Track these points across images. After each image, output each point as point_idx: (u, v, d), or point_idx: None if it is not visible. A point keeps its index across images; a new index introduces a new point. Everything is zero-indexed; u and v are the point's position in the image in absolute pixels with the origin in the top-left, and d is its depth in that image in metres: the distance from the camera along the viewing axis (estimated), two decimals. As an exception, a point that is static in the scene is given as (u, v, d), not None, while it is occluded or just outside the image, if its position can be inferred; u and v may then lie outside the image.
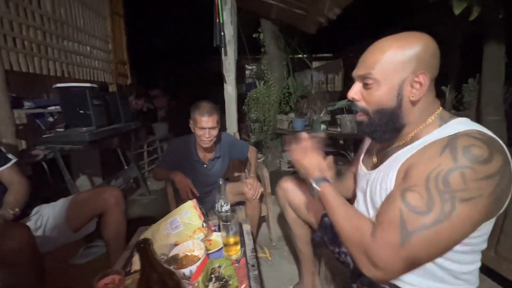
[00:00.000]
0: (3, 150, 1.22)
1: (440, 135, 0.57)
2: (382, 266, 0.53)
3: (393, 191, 0.59)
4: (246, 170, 2.04)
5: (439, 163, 0.51)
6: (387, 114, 0.63)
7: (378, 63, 0.61)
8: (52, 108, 1.97)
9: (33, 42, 1.70)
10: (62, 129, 1.81)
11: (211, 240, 1.05)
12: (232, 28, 2.58)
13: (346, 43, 5.67)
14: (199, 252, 0.93)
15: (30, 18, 1.68)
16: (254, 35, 3.35)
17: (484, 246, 0.60)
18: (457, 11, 1.56)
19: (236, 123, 2.73)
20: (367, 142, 0.87)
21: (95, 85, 1.88)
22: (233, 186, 1.61)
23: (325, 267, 1.31)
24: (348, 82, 6.64)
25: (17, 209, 1.08)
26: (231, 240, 0.93)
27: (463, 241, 0.54)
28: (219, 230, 1.11)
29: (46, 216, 1.25)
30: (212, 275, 0.83)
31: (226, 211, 1.09)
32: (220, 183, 1.11)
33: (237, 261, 0.92)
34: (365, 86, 0.64)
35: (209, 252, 0.97)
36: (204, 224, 1.03)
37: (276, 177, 1.98)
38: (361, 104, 0.67)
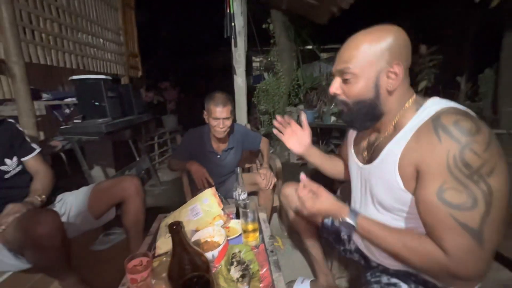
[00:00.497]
0: (28, 140, 1.26)
1: (422, 119, 0.59)
2: (473, 274, 0.53)
3: (421, 196, 0.57)
4: (257, 161, 2.07)
5: (447, 149, 0.52)
6: (366, 105, 0.66)
7: (354, 57, 0.63)
8: (69, 100, 2.02)
9: (50, 34, 1.73)
10: (80, 121, 1.86)
11: (229, 227, 1.08)
12: (242, 19, 2.56)
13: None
14: (219, 238, 0.96)
15: (46, 10, 1.70)
16: (264, 26, 3.31)
17: None
18: (478, -2, 1.52)
19: (246, 115, 2.74)
20: (353, 132, 0.88)
21: (109, 77, 1.91)
22: (246, 177, 1.63)
23: (338, 259, 1.34)
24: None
25: (43, 196, 1.13)
26: (250, 226, 0.96)
27: None
28: (237, 218, 1.15)
29: (69, 204, 1.30)
30: (233, 260, 0.86)
31: (244, 199, 1.11)
32: (238, 171, 1.13)
33: (256, 247, 0.95)
34: (344, 81, 0.67)
35: (228, 238, 1.00)
36: (223, 212, 1.06)
37: (285, 168, 2.00)
38: (342, 97, 0.70)
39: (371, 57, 0.62)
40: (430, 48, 2.45)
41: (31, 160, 1.22)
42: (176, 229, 0.58)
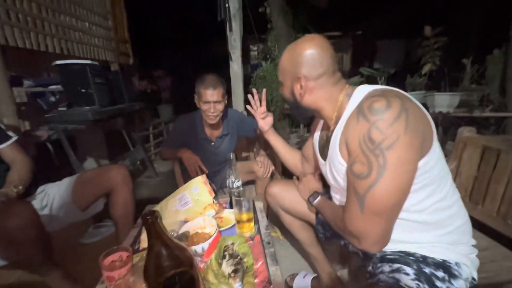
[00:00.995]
0: (3, 127, 1.17)
1: (351, 108, 0.66)
2: (363, 236, 0.62)
3: (346, 170, 0.66)
4: (255, 149, 1.98)
5: (360, 129, 0.59)
6: (294, 105, 0.80)
7: (279, 69, 0.80)
8: (54, 87, 1.91)
9: (28, 16, 1.60)
10: (65, 109, 1.75)
11: (222, 217, 1.00)
12: (237, 1, 2.42)
13: (355, 20, 5.37)
14: (210, 229, 0.88)
15: (23, -11, 1.57)
16: (260, 9, 3.15)
17: (442, 193, 0.65)
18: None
19: (242, 103, 2.63)
20: (314, 133, 0.93)
21: (96, 63, 1.80)
22: (242, 165, 1.54)
23: (339, 251, 1.26)
24: (357, 60, 6.39)
25: (20, 187, 1.04)
26: (244, 216, 0.87)
27: (415, 181, 0.60)
28: (230, 207, 1.07)
29: (52, 195, 1.22)
30: (226, 253, 0.78)
31: (238, 187, 1.03)
32: (231, 157, 1.04)
33: (251, 238, 0.87)
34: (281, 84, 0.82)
35: (221, 229, 0.92)
36: (215, 201, 0.98)
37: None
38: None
39: (285, 70, 0.77)
40: (434, 30, 2.32)
41: (7, 148, 1.13)
42: (151, 220, 0.49)
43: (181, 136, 1.49)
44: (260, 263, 0.74)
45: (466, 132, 1.17)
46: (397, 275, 0.63)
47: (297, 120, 0.82)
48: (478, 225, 1.10)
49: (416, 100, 0.62)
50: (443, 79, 2.33)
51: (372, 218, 0.59)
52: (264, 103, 1.13)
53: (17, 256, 0.86)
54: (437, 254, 0.66)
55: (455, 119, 2.31)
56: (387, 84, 2.48)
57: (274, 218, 1.76)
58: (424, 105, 2.06)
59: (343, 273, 1.24)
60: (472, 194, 1.12)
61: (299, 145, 2.77)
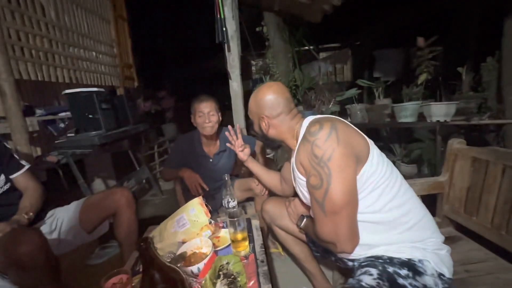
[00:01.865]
0: (16, 157, 1.25)
1: (301, 134, 0.82)
2: (335, 238, 0.72)
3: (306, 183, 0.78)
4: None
5: (306, 149, 0.74)
6: (264, 137, 0.96)
7: (249, 111, 0.98)
8: (63, 114, 2.02)
9: (40, 50, 1.74)
10: (73, 134, 1.85)
11: (219, 237, 1.04)
12: (234, 23, 2.53)
13: (353, 31, 5.48)
14: (207, 249, 0.92)
15: (35, 27, 1.71)
16: (257, 29, 3.28)
17: (387, 198, 0.75)
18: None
19: (243, 119, 2.70)
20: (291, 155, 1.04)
21: (102, 89, 1.91)
22: (242, 182, 1.59)
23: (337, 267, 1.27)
24: (357, 71, 6.46)
25: (31, 214, 1.11)
26: (239, 236, 0.91)
27: (363, 187, 0.73)
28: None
29: (60, 219, 1.28)
30: (220, 272, 0.82)
31: (233, 207, 1.07)
32: (226, 178, 1.09)
33: (246, 257, 0.90)
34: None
35: (217, 249, 0.96)
36: (212, 221, 1.02)
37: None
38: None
39: (252, 111, 0.95)
40: (428, 40, 2.37)
41: (20, 177, 1.21)
42: (144, 246, 0.53)
43: (180, 155, 1.56)
44: (252, 282, 0.77)
45: (456, 144, 1.20)
46: (361, 277, 0.70)
47: (270, 146, 0.97)
48: (475, 237, 1.10)
49: (348, 122, 0.80)
50: (439, 88, 2.36)
51: (334, 218, 0.70)
52: (240, 136, 1.26)
53: (27, 281, 0.91)
54: (403, 254, 0.74)
55: (453, 127, 2.32)
56: (384, 95, 2.53)
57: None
58: (421, 114, 2.10)
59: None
60: (467, 206, 1.13)
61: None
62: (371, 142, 0.79)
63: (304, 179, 0.79)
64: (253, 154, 1.79)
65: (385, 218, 0.75)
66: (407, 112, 2.07)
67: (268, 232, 1.74)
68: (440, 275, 0.73)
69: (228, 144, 1.28)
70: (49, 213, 1.29)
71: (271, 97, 0.89)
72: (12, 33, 1.55)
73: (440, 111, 1.97)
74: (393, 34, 4.98)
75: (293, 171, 0.88)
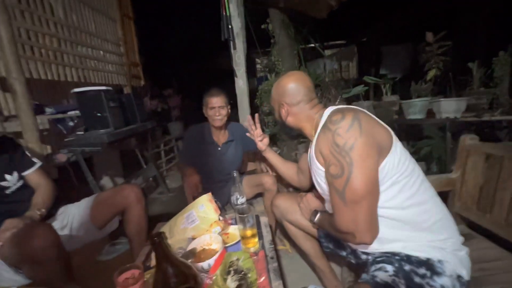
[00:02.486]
0: (29, 154, 1.27)
1: (322, 124, 0.81)
2: (354, 228, 0.70)
3: (325, 173, 0.78)
4: (261, 164, 2.03)
5: (327, 138, 0.74)
6: (283, 125, 0.98)
7: (271, 98, 1.00)
8: (72, 113, 2.05)
9: (49, 49, 1.76)
10: (82, 132, 1.87)
11: (228, 233, 1.04)
12: (239, 21, 2.52)
13: (359, 28, 5.41)
14: (216, 245, 0.92)
15: (45, 26, 1.73)
16: (263, 26, 3.26)
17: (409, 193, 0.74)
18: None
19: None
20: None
21: (110, 88, 1.92)
22: (250, 179, 1.61)
23: (347, 264, 1.26)
24: (363, 68, 6.38)
25: (43, 210, 1.13)
26: (248, 232, 0.91)
27: (383, 180, 0.72)
28: (236, 223, 1.11)
29: (71, 215, 1.30)
30: (231, 268, 0.82)
31: (242, 204, 1.07)
32: (235, 175, 1.09)
33: (256, 253, 0.90)
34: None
35: (227, 245, 0.96)
36: (221, 218, 1.02)
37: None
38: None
39: (274, 98, 0.98)
40: (438, 34, 2.32)
41: (32, 174, 1.23)
42: (157, 241, 0.54)
43: (192, 143, 1.64)
44: (263, 278, 0.77)
45: (468, 140, 1.17)
46: (376, 273, 0.70)
47: (288, 135, 0.98)
48: (487, 235, 1.08)
49: (371, 114, 0.78)
50: (449, 84, 2.31)
51: (354, 207, 0.69)
52: (258, 125, 1.29)
53: (40, 274, 0.93)
54: (422, 253, 0.73)
55: (464, 124, 2.27)
56: (392, 92, 2.49)
57: (284, 231, 1.77)
58: (430, 111, 2.06)
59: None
60: (480, 203, 1.11)
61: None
62: (394, 136, 0.77)
63: (323, 169, 0.79)
64: (252, 154, 1.82)
65: (403, 215, 0.74)
66: (415, 108, 2.03)
67: (276, 229, 1.74)
68: (459, 277, 0.71)
69: (248, 134, 1.34)
70: (60, 210, 1.32)
71: (292, 85, 0.90)
72: (22, 32, 1.57)
73: (450, 107, 1.93)
74: (400, 30, 4.90)
75: (311, 160, 0.87)
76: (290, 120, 0.94)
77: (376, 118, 0.78)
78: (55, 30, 1.83)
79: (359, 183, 0.67)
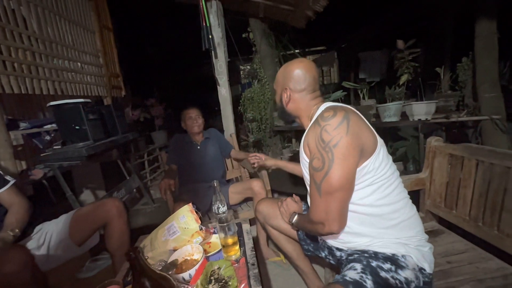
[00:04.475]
0: (1, 172, 1.23)
1: (314, 119, 0.84)
2: (325, 217, 0.75)
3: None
4: (243, 169, 2.08)
5: (315, 132, 0.77)
6: (281, 109, 0.99)
7: (275, 80, 1.00)
8: (48, 126, 1.99)
9: (23, 63, 1.71)
10: (59, 146, 1.82)
11: (210, 242, 1.05)
12: (220, 31, 2.58)
13: (339, 34, 5.62)
14: (198, 255, 0.93)
15: (18, 40, 1.69)
16: (244, 35, 3.33)
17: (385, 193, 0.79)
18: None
19: (233, 125, 2.73)
20: None
21: (88, 100, 1.89)
22: (237, 185, 1.71)
23: (329, 265, 1.30)
24: (343, 73, 6.60)
25: (17, 230, 1.09)
26: (230, 240, 0.93)
27: (360, 180, 0.76)
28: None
29: (49, 233, 1.26)
30: (212, 277, 0.83)
31: (223, 212, 1.09)
32: (215, 185, 1.11)
33: (237, 261, 0.92)
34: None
35: (208, 254, 0.97)
36: (202, 227, 1.03)
37: (278, 173, 1.98)
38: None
39: (278, 81, 0.98)
40: (408, 42, 2.47)
41: (4, 193, 1.19)
42: (133, 256, 0.55)
43: (175, 146, 1.91)
44: (243, 285, 0.79)
45: (433, 141, 1.26)
46: (346, 272, 0.74)
47: (284, 120, 1.03)
48: (456, 229, 1.16)
49: (361, 115, 0.83)
50: (420, 88, 2.46)
51: (327, 198, 0.74)
52: (259, 155, 1.50)
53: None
54: (387, 249, 0.78)
55: (434, 125, 2.41)
56: (369, 96, 2.60)
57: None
58: (404, 114, 2.18)
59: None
60: (446, 200, 1.19)
61: (293, 159, 2.84)
62: (380, 141, 0.82)
63: (307, 160, 0.83)
64: (230, 156, 2.09)
65: (374, 211, 0.79)
66: (390, 112, 2.14)
67: (268, 238, 1.76)
68: (421, 270, 0.77)
69: (254, 160, 1.51)
70: (37, 228, 1.27)
71: (299, 72, 0.91)
72: (-7, 47, 1.53)
73: (421, 110, 2.05)
74: (377, 37, 5.13)
75: (300, 151, 0.90)
76: (290, 107, 0.95)
77: (366, 121, 0.82)
78: (29, 44, 1.78)
79: (336, 178, 0.71)
